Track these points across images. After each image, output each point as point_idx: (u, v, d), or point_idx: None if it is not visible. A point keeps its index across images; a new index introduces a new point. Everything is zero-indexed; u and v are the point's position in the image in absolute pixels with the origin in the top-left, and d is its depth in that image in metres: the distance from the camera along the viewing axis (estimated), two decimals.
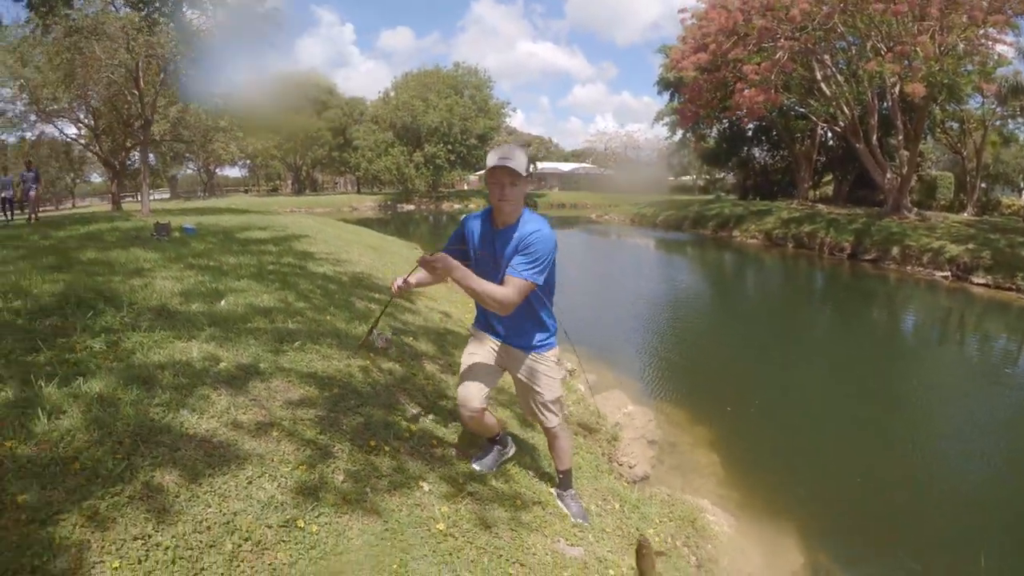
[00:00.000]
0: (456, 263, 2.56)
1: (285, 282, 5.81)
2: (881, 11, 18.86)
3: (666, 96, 38.67)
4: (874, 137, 23.59)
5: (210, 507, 2.26)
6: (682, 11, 26.38)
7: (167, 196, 50.10)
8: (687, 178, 57.55)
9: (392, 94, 54.41)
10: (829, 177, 37.13)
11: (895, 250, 18.56)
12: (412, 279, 2.86)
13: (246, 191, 63.80)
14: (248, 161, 46.83)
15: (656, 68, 38.23)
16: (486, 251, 2.80)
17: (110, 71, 18.67)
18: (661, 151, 53.77)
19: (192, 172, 56.14)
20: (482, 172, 2.15)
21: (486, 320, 3.02)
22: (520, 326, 2.91)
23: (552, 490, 3.39)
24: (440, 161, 51.31)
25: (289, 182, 64.61)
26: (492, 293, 2.59)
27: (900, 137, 22.89)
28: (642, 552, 2.57)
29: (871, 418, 6.53)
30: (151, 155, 27.54)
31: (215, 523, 2.20)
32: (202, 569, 2.02)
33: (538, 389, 2.99)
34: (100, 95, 22.18)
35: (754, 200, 34.86)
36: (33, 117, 26.00)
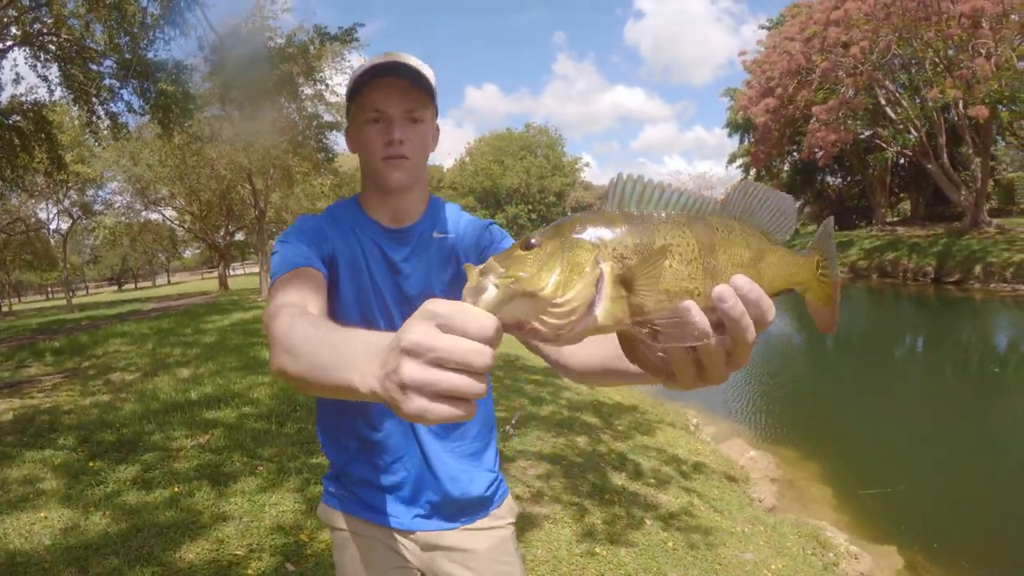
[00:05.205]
0: None
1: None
2: (933, 38, 19.50)
3: (736, 137, 39.88)
4: (944, 155, 23.83)
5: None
6: (742, 53, 27.48)
7: (257, 269, 53.57)
8: None
9: (467, 159, 56.51)
10: (906, 194, 36.83)
11: (977, 269, 18.86)
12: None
13: None
14: None
15: (724, 109, 39.09)
16: (376, 272, 1.37)
17: (224, 170, 20.71)
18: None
19: None
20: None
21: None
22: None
23: None
24: (523, 221, 52.80)
25: None
26: None
27: (971, 150, 23.13)
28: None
29: (959, 442, 7.35)
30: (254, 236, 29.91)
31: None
32: None
33: None
34: (212, 189, 24.48)
35: (834, 230, 34.52)
36: (138, 206, 28.97)
